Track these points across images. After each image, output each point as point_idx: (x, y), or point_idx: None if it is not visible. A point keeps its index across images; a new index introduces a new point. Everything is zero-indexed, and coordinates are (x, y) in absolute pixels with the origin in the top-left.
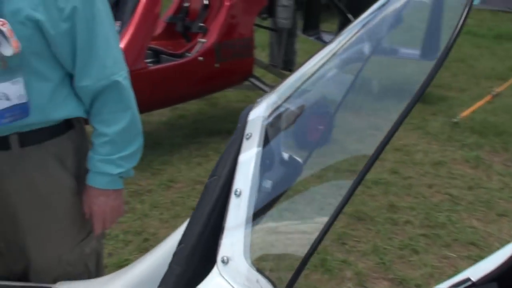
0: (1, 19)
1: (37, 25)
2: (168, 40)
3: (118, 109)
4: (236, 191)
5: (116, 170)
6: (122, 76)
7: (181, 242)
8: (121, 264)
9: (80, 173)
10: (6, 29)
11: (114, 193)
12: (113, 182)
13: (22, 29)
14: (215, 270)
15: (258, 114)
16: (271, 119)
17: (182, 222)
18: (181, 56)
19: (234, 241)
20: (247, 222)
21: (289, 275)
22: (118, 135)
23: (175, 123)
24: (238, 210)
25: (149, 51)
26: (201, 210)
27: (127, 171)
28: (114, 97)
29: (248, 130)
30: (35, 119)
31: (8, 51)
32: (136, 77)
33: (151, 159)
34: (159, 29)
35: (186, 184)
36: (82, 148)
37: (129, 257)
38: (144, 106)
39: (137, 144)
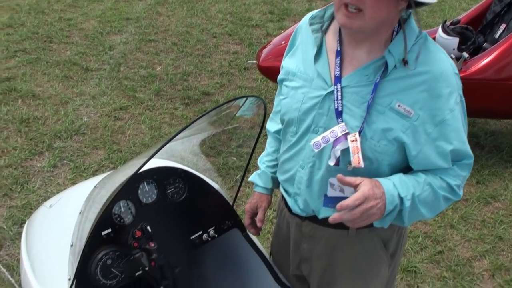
0: (353, 135)
1: (402, 146)
2: None
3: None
4: None
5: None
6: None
7: None
8: (408, 268)
9: (396, 252)
10: (353, 145)
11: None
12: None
13: (388, 145)
14: None
15: None
16: None
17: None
18: None
19: None
20: None
21: None
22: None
23: None
24: None
25: None
26: None
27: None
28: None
29: None
30: None
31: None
32: (503, 87)
33: (483, 166)
34: None
35: (506, 206)
36: (402, 230)
37: (417, 265)
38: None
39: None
